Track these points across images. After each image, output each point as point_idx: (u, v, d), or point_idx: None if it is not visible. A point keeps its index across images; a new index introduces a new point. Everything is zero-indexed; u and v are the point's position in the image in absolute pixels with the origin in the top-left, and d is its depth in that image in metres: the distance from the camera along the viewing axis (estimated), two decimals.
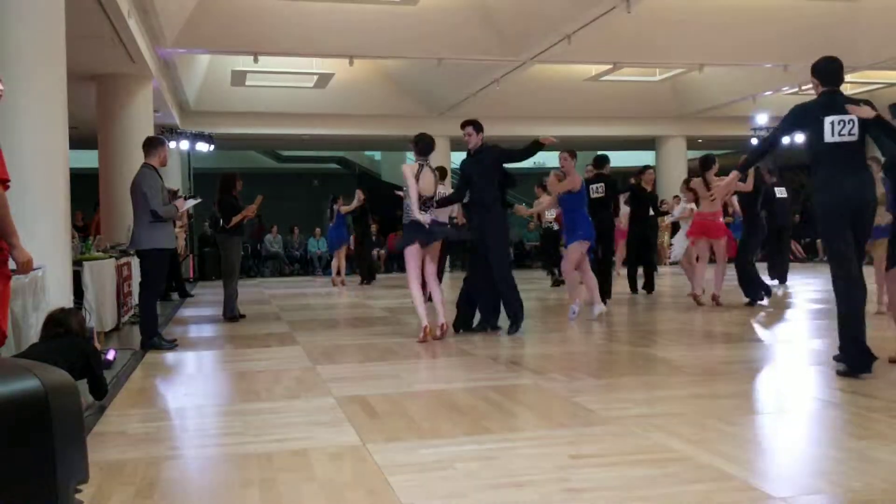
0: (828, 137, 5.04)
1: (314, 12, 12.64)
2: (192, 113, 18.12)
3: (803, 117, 5.25)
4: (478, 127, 7.62)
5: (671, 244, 11.68)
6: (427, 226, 7.05)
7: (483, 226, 7.47)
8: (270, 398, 4.84)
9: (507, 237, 7.88)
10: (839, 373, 5.06)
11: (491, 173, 7.53)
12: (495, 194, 7.54)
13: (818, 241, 20.27)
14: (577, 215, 8.52)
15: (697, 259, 9.89)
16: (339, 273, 15.08)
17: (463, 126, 7.64)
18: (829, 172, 5.07)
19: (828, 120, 5.05)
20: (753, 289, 9.52)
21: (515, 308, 7.48)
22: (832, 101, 5.16)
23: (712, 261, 9.81)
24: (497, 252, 7.46)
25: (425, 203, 7.14)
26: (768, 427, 4.04)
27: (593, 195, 9.85)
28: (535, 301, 11.12)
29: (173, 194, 9.57)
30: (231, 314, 9.28)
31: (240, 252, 9.57)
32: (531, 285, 13.14)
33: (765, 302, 9.53)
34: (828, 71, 5.24)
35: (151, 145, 7.17)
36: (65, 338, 4.57)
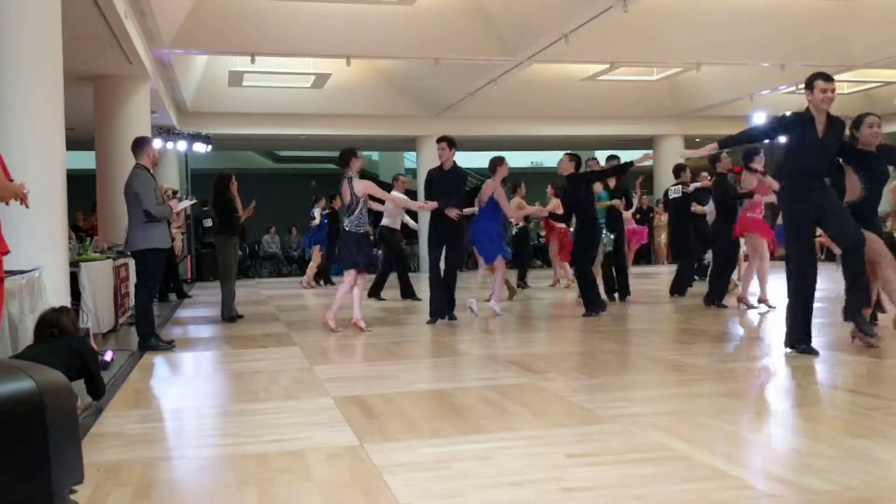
0: None
1: (311, 12, 12.63)
2: (189, 114, 18.09)
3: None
4: (451, 143, 8.36)
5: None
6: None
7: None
8: (268, 399, 4.83)
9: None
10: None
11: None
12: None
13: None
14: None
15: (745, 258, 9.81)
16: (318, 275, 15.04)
17: (438, 141, 8.40)
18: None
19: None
20: None
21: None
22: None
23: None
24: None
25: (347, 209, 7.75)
26: (765, 425, 4.05)
27: None
28: (531, 301, 11.12)
29: (172, 194, 9.58)
30: (229, 315, 9.27)
31: (237, 253, 9.57)
32: (535, 284, 13.14)
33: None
34: None
35: (138, 145, 7.18)
36: (59, 338, 4.55)
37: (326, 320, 7.92)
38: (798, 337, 5.86)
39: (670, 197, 11.11)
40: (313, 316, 9.82)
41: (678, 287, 10.94)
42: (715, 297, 9.35)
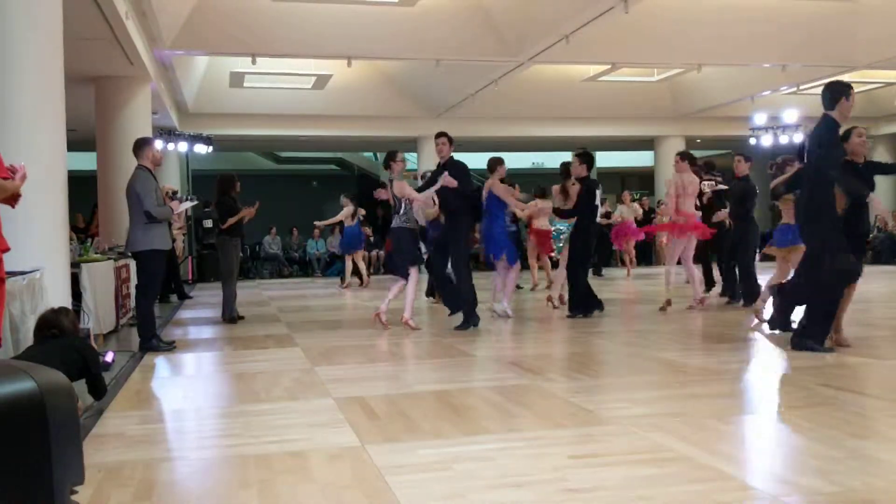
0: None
1: (312, 13, 12.63)
2: (190, 115, 18.10)
3: None
4: (451, 139, 8.32)
5: None
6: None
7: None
8: (269, 400, 4.83)
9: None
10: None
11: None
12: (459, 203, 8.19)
13: None
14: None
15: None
16: (353, 275, 15.11)
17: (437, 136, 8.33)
18: None
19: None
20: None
21: (465, 303, 8.05)
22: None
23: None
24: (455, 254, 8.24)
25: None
26: (767, 426, 4.04)
27: None
28: (531, 301, 11.12)
29: (173, 195, 9.57)
30: (230, 315, 9.27)
31: (238, 253, 9.57)
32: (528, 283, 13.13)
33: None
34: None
35: (139, 146, 7.19)
36: (59, 338, 4.55)
37: (406, 321, 7.98)
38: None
39: (704, 190, 10.65)
40: (315, 317, 9.82)
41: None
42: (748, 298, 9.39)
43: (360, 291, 14.19)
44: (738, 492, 2.88)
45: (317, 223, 17.19)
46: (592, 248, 9.27)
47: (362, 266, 15.23)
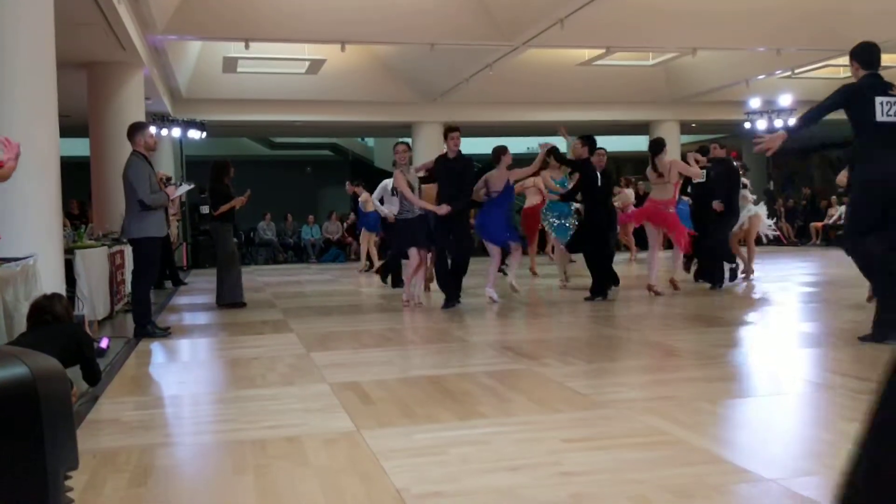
0: (879, 117, 5.34)
1: None
2: (183, 100, 18.01)
3: (852, 97, 5.50)
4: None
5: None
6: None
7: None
8: (264, 385, 4.84)
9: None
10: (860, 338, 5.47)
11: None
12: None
13: (811, 224, 20.41)
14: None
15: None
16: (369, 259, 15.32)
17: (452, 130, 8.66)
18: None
19: (878, 100, 5.34)
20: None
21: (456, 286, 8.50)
22: (878, 83, 5.48)
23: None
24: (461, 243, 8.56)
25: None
26: (760, 410, 4.06)
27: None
28: (523, 288, 11.13)
29: (167, 181, 9.55)
30: (231, 300, 9.32)
31: (232, 238, 9.58)
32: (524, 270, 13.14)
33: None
34: (870, 54, 5.60)
35: (133, 132, 7.14)
36: (53, 325, 4.53)
37: (406, 301, 8.58)
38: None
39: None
40: (310, 303, 9.82)
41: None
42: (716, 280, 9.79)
43: (362, 276, 14.22)
44: (731, 475, 2.90)
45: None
46: (607, 231, 9.29)
47: (373, 252, 15.36)
